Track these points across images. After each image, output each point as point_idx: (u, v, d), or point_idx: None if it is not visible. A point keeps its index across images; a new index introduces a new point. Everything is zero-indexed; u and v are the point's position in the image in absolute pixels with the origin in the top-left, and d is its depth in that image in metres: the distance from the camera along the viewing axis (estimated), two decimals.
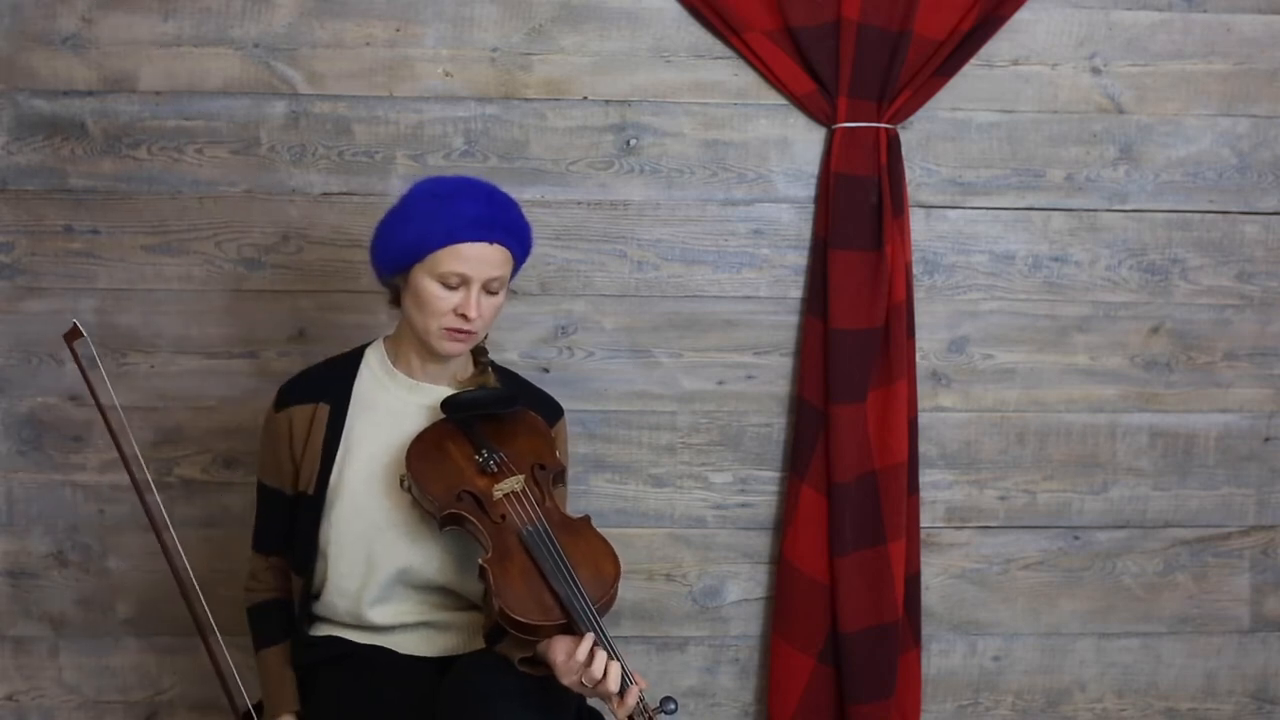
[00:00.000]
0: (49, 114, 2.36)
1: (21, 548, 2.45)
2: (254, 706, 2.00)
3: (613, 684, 1.69)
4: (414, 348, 1.97)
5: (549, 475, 1.92)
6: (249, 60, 2.37)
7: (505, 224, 1.89)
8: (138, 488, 1.98)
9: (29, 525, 2.44)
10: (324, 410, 1.96)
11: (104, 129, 2.37)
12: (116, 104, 2.37)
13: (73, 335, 1.97)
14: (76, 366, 1.97)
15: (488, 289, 1.89)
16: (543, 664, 1.77)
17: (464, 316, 1.87)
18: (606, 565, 1.83)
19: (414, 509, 1.91)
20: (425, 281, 1.87)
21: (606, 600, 1.80)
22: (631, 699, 1.70)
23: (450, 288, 1.87)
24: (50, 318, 2.39)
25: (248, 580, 2.06)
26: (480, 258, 1.86)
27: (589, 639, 1.71)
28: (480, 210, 1.87)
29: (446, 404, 1.93)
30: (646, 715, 1.71)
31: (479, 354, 2.04)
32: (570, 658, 1.71)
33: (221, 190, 2.39)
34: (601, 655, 1.70)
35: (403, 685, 1.89)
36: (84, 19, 2.35)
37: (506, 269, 1.90)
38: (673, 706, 1.70)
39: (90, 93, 2.36)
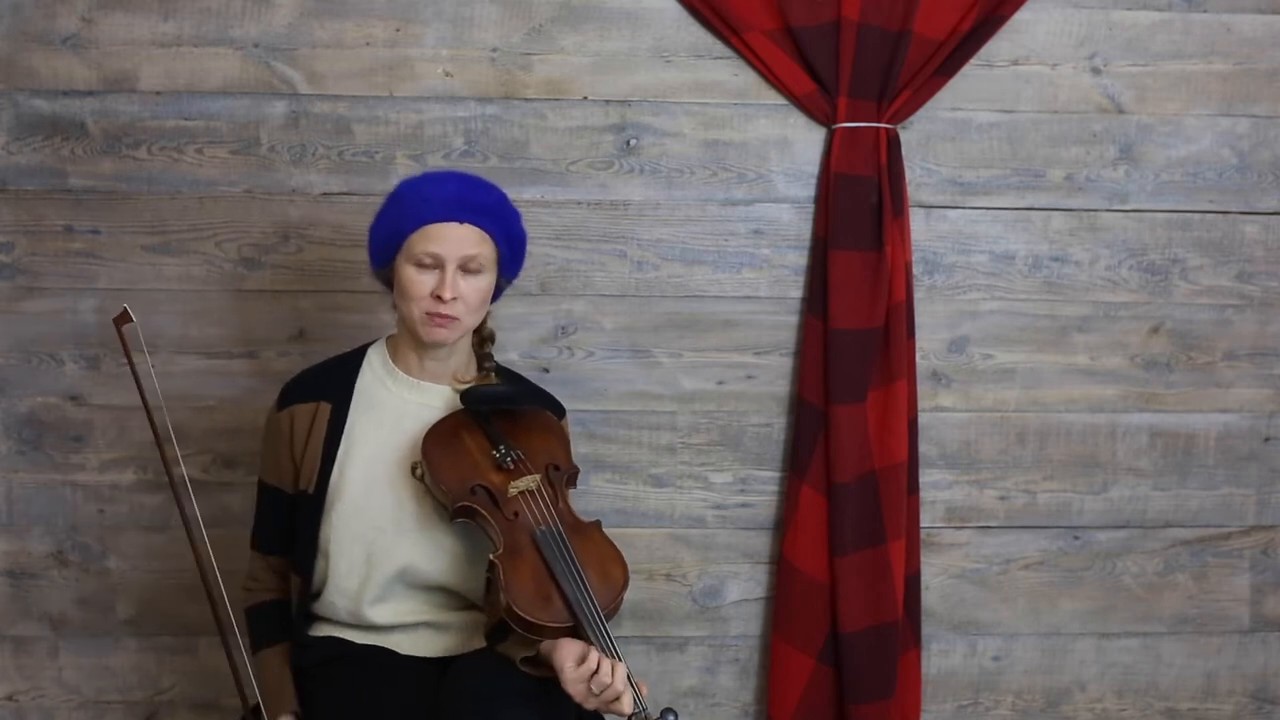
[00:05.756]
0: (49, 114, 2.36)
1: (21, 548, 2.45)
2: (259, 706, 2.00)
3: (620, 686, 1.68)
4: (411, 344, 1.98)
5: (563, 476, 1.93)
6: (249, 60, 2.37)
7: (477, 205, 1.92)
8: (173, 482, 1.95)
9: (29, 525, 2.44)
10: (325, 409, 1.97)
11: (104, 129, 2.37)
12: (116, 104, 2.37)
13: (122, 320, 1.94)
14: (124, 352, 1.91)
15: (465, 269, 1.90)
16: (545, 665, 1.77)
17: (439, 298, 1.88)
18: (615, 571, 1.83)
19: (416, 506, 1.91)
20: (404, 268, 1.91)
21: (613, 606, 1.80)
22: (626, 703, 1.69)
23: (426, 269, 1.89)
24: (50, 318, 2.39)
25: (246, 580, 2.06)
26: (450, 236, 1.89)
27: (596, 652, 1.71)
28: (450, 192, 1.91)
29: (467, 396, 1.94)
30: None
31: (483, 357, 2.05)
32: (579, 665, 1.71)
33: (221, 190, 2.39)
34: (608, 664, 1.69)
35: (402, 686, 1.89)
36: (84, 19, 2.35)
37: (483, 249, 1.91)
38: (672, 718, 1.68)
39: (90, 93, 2.36)
